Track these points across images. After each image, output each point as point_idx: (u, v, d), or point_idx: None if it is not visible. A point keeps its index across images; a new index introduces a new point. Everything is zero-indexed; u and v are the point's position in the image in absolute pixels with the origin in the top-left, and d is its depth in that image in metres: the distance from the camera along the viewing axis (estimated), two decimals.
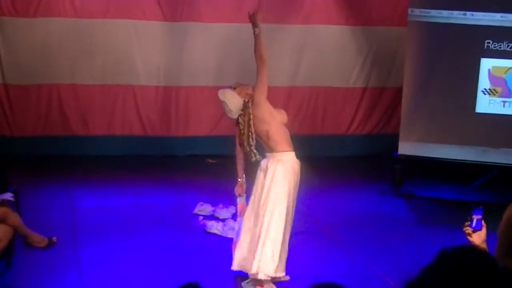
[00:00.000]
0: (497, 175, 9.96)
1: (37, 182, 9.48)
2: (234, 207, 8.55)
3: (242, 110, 6.71)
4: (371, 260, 7.60)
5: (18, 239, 7.32)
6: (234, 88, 6.78)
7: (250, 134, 6.69)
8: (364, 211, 9.22)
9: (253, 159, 6.76)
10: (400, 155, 9.97)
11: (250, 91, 6.71)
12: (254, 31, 6.58)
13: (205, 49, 10.96)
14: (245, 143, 6.74)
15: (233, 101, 6.69)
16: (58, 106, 10.77)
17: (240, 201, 6.96)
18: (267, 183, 6.59)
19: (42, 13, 10.48)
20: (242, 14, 10.80)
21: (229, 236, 7.99)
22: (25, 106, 10.66)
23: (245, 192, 6.93)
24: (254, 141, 6.72)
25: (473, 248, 2.61)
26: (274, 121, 6.72)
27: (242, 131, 6.75)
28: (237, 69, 10.85)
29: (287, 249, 6.71)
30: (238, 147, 6.87)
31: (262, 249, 6.51)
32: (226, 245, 7.72)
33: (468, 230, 3.54)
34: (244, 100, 6.70)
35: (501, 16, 9.57)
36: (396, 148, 9.98)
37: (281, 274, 6.67)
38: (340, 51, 11.41)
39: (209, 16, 10.89)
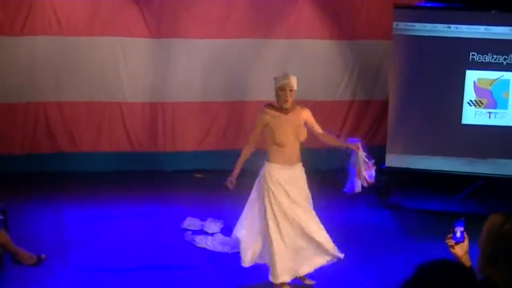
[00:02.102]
0: (484, 186, 10.02)
1: (25, 199, 9.46)
2: (223, 221, 8.60)
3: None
4: (358, 271, 7.63)
5: (6, 257, 7.32)
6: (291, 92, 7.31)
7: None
8: (351, 222, 9.25)
9: None
10: (387, 167, 10.01)
11: (287, 105, 7.32)
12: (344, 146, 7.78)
13: (191, 65, 10.98)
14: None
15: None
16: (45, 123, 10.76)
17: None
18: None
19: (28, 31, 10.48)
20: (227, 30, 10.98)
21: (218, 250, 8.02)
22: (11, 124, 10.63)
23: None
24: None
25: (450, 261, 2.63)
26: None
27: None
28: (222, 84, 10.89)
29: (293, 254, 6.95)
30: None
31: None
32: (215, 260, 7.75)
33: (451, 242, 3.57)
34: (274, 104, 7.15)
35: (485, 29, 9.64)
36: (383, 160, 10.02)
37: (287, 278, 6.89)
38: (325, 65, 11.43)
39: (194, 32, 10.91)
